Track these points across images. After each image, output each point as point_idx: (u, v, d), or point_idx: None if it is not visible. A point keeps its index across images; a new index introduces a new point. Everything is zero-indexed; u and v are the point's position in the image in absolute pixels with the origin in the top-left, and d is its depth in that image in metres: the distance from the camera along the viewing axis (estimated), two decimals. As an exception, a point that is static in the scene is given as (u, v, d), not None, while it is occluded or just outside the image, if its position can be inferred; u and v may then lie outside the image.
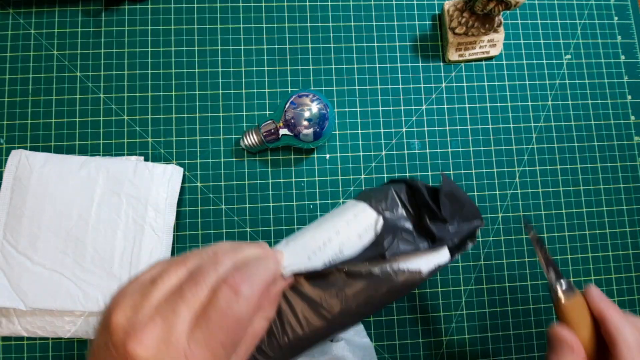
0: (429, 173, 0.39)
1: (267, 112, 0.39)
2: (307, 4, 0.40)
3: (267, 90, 0.39)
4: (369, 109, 0.39)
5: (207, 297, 0.19)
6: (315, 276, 0.23)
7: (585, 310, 0.25)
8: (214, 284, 0.19)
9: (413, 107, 0.40)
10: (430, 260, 0.25)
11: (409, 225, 0.26)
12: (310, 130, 0.34)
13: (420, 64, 0.40)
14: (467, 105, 0.40)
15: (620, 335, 0.24)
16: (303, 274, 0.23)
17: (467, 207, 0.26)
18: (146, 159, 0.37)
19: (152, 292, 0.19)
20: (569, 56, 0.42)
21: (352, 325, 0.25)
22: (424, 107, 0.40)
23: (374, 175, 0.39)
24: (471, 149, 0.40)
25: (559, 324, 0.26)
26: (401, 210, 0.26)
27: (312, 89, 0.39)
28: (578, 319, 0.25)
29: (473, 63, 0.41)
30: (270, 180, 0.38)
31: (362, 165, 0.39)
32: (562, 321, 0.26)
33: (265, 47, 0.39)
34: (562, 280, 0.26)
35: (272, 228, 0.37)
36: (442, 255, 0.25)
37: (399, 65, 0.40)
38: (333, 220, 0.25)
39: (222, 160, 0.38)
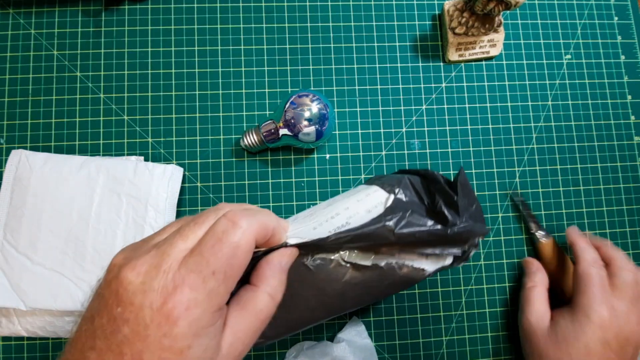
0: (429, 173, 0.39)
1: (267, 112, 0.39)
2: (307, 4, 0.40)
3: (267, 90, 0.39)
4: (369, 109, 0.39)
5: (205, 232, 0.19)
6: (318, 250, 0.23)
7: (556, 248, 0.37)
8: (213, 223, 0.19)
9: (413, 107, 0.40)
10: (435, 263, 0.25)
11: (421, 209, 0.25)
12: (311, 130, 0.34)
13: (420, 64, 0.40)
14: (467, 105, 0.40)
15: (582, 253, 0.33)
16: (308, 245, 0.22)
17: (476, 207, 0.26)
18: (146, 159, 0.37)
19: (154, 237, 0.20)
20: (569, 56, 0.42)
21: (350, 310, 0.25)
22: (424, 107, 0.40)
23: (374, 175, 0.38)
24: (471, 149, 0.40)
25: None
26: (414, 196, 0.26)
27: (312, 89, 0.39)
28: (551, 254, 0.37)
29: (473, 63, 0.41)
30: (270, 180, 0.38)
31: (362, 165, 0.39)
32: (540, 257, 0.37)
33: (265, 47, 0.39)
34: (540, 231, 0.38)
35: (272, 228, 0.37)
36: (446, 260, 0.25)
37: (399, 65, 0.40)
38: (343, 199, 0.25)
39: (222, 160, 0.38)
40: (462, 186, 0.25)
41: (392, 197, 0.25)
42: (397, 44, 0.41)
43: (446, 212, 0.24)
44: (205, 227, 0.19)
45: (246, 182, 0.38)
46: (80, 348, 0.18)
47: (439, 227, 0.24)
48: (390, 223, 0.23)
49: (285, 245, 0.22)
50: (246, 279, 0.22)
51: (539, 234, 0.37)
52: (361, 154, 0.39)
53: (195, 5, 0.39)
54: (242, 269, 0.19)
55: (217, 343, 0.19)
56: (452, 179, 0.27)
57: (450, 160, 0.39)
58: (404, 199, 0.25)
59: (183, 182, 0.37)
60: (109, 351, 0.17)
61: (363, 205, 0.24)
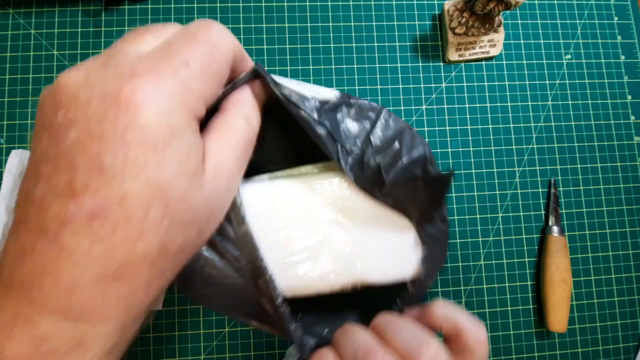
0: (429, 173, 0.39)
1: (267, 112, 0.39)
2: (307, 4, 0.40)
3: (267, 90, 0.39)
4: (369, 109, 0.39)
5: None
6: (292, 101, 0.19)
7: (564, 248, 0.37)
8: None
9: (413, 107, 0.40)
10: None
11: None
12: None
13: (420, 64, 0.40)
14: (467, 105, 0.40)
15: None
16: (286, 96, 0.19)
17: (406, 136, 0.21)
18: (146, 159, 0.37)
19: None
20: (569, 56, 0.42)
21: None
22: (424, 107, 0.40)
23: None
24: (471, 149, 0.40)
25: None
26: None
27: (312, 89, 0.39)
28: (555, 250, 0.37)
29: (473, 63, 0.41)
30: (270, 180, 0.38)
31: (362, 165, 0.39)
32: (545, 250, 0.38)
33: (265, 47, 0.39)
34: (557, 226, 0.38)
35: (272, 228, 0.37)
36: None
37: (399, 65, 0.40)
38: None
39: (222, 160, 0.38)
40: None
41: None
42: (397, 44, 0.41)
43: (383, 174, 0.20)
44: (162, 36, 0.15)
45: (246, 182, 0.38)
46: (25, 190, 0.13)
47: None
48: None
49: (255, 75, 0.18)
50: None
51: (555, 228, 0.38)
52: (361, 154, 0.39)
53: (195, 5, 0.39)
54: (221, 77, 0.16)
55: (199, 154, 0.15)
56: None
57: (450, 160, 0.39)
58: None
59: (183, 182, 0.37)
60: (57, 172, 0.12)
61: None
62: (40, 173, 0.13)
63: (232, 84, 0.18)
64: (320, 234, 0.20)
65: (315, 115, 0.19)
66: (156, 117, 0.13)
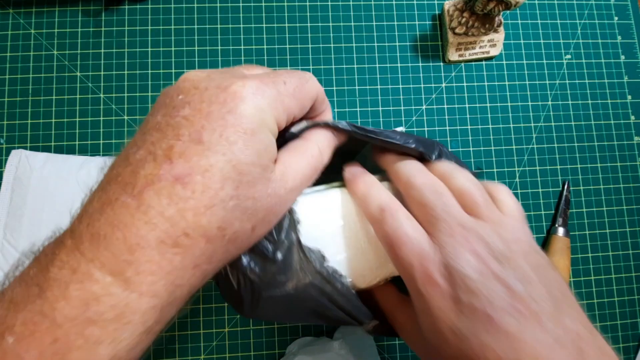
0: (429, 173, 0.39)
1: (267, 112, 0.39)
2: (307, 4, 0.40)
3: (267, 90, 0.39)
4: (369, 109, 0.39)
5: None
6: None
7: (566, 250, 0.37)
8: None
9: (413, 107, 0.40)
10: None
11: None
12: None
13: (420, 64, 0.40)
14: (467, 105, 0.40)
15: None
16: (357, 134, 0.22)
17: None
18: (146, 159, 0.37)
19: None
20: (569, 56, 0.42)
21: None
22: (424, 107, 0.40)
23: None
24: (471, 149, 0.40)
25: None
26: None
27: (312, 89, 0.39)
28: (558, 250, 0.37)
29: (473, 63, 0.41)
30: (270, 180, 0.38)
31: (362, 165, 0.39)
32: (547, 248, 0.38)
33: (265, 47, 0.39)
34: (563, 227, 0.38)
35: (272, 228, 0.37)
36: None
37: (399, 65, 0.40)
38: None
39: (222, 160, 0.38)
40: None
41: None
42: (397, 44, 0.41)
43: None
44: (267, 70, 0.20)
45: (246, 182, 0.38)
46: (125, 155, 0.16)
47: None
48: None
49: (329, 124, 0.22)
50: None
51: (561, 229, 0.38)
52: (361, 154, 0.39)
53: (195, 5, 0.39)
54: (305, 104, 0.19)
55: (273, 152, 0.17)
56: None
57: (450, 160, 0.39)
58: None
59: (183, 182, 0.37)
60: (162, 139, 0.15)
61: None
62: (145, 141, 0.15)
63: (313, 122, 0.21)
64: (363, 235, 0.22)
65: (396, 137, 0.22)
66: (252, 110, 0.16)
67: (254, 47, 0.39)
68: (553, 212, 0.39)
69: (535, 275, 0.17)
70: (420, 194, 0.19)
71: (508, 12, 0.40)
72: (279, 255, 0.19)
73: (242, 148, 0.15)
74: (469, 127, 0.40)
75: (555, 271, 0.18)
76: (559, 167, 0.40)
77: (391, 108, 0.40)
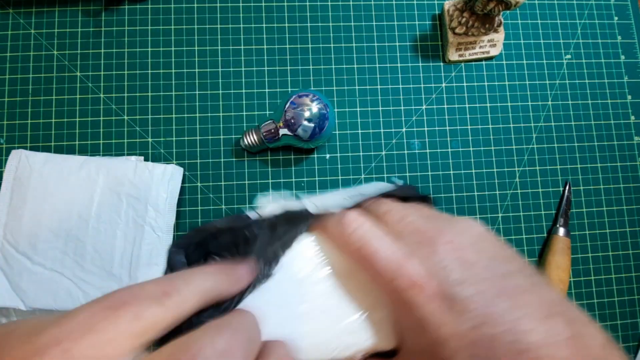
0: (429, 173, 0.39)
1: (267, 112, 0.39)
2: (307, 4, 0.40)
3: (267, 90, 0.39)
4: (369, 109, 0.39)
5: None
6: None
7: (566, 250, 0.37)
8: None
9: (413, 107, 0.40)
10: None
11: None
12: (309, 125, 0.34)
13: (420, 64, 0.40)
14: (467, 105, 0.40)
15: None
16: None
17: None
18: (146, 159, 0.37)
19: None
20: (569, 56, 0.42)
21: None
22: (424, 107, 0.40)
23: (374, 175, 0.39)
24: (471, 149, 0.40)
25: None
26: None
27: (312, 89, 0.39)
28: (557, 250, 0.37)
29: (473, 63, 0.41)
30: (270, 180, 0.38)
31: (362, 165, 0.39)
32: (548, 248, 0.38)
33: (265, 47, 0.39)
34: (564, 228, 0.38)
35: (272, 228, 0.37)
36: None
37: (399, 65, 0.40)
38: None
39: (222, 160, 0.38)
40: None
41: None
42: (397, 44, 0.41)
43: None
44: None
45: (246, 182, 0.38)
46: None
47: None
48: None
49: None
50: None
51: (562, 229, 0.38)
52: (361, 154, 0.39)
53: (195, 5, 0.39)
54: None
55: None
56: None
57: (450, 160, 0.39)
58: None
59: (183, 182, 0.37)
60: None
61: (381, 186, 0.22)
62: None
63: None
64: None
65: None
66: None
67: (254, 47, 0.39)
68: (553, 212, 0.39)
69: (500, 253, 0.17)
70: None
71: (508, 12, 0.40)
72: None
73: None
74: (469, 127, 0.40)
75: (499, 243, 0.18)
76: (558, 167, 0.40)
77: (391, 108, 0.40)
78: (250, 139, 0.36)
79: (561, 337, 0.14)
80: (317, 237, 0.19)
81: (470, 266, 0.16)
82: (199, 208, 0.37)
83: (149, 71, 0.38)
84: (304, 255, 0.19)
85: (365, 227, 0.18)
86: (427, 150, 0.39)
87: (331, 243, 0.19)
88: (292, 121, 0.34)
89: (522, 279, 0.16)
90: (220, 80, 0.39)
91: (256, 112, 0.39)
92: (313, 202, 0.20)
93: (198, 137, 0.38)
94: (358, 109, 0.39)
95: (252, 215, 0.19)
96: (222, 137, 0.38)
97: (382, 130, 0.39)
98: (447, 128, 0.40)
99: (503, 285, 0.15)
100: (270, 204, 0.20)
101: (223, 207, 0.37)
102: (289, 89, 0.39)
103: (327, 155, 0.38)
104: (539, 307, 0.15)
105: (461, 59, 0.40)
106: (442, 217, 0.18)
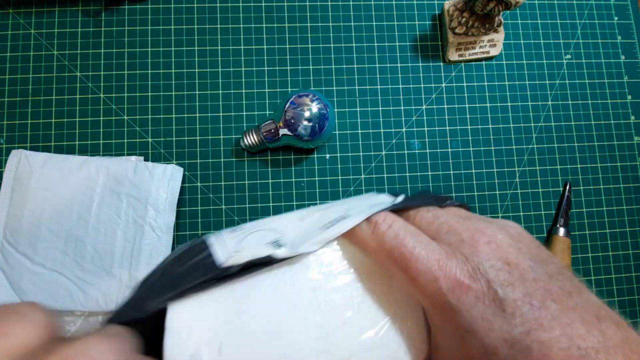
0: (429, 173, 0.39)
1: (267, 112, 0.39)
2: (307, 4, 0.40)
3: (267, 90, 0.39)
4: (369, 109, 0.39)
5: None
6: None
7: (567, 249, 0.38)
8: None
9: (413, 107, 0.40)
10: None
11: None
12: (309, 125, 0.34)
13: (420, 64, 0.40)
14: (467, 105, 0.40)
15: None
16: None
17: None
18: (146, 159, 0.37)
19: None
20: (569, 56, 0.42)
21: None
22: (424, 107, 0.40)
23: (374, 175, 0.39)
24: (471, 149, 0.40)
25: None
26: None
27: (312, 89, 0.39)
28: (558, 250, 0.38)
29: (473, 63, 0.41)
30: (270, 180, 0.38)
31: (362, 165, 0.39)
32: (548, 248, 0.35)
33: (265, 47, 0.39)
34: (564, 228, 0.38)
35: (272, 228, 0.37)
36: None
37: (399, 65, 0.40)
38: (345, 202, 0.21)
39: (222, 160, 0.38)
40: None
41: (402, 196, 0.20)
42: (397, 44, 0.41)
43: None
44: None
45: (246, 182, 0.38)
46: None
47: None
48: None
49: None
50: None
51: (562, 230, 0.38)
52: (361, 154, 0.39)
53: (195, 5, 0.39)
54: None
55: None
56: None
57: (450, 160, 0.39)
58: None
59: (183, 182, 0.37)
60: None
61: (366, 201, 0.20)
62: None
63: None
64: None
65: None
66: None
67: (254, 47, 0.39)
68: (553, 212, 0.39)
69: (541, 256, 0.16)
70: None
71: (508, 12, 0.40)
72: None
73: None
74: (469, 127, 0.40)
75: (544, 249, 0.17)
76: (558, 167, 0.40)
77: (391, 108, 0.40)
78: (250, 139, 0.36)
79: (614, 341, 0.13)
80: (339, 242, 0.18)
81: (515, 267, 0.15)
82: (199, 208, 0.37)
83: (149, 71, 0.38)
84: (321, 261, 0.18)
85: (399, 225, 0.16)
86: (427, 150, 0.39)
87: (355, 248, 0.18)
88: (292, 121, 0.34)
89: (566, 281, 0.15)
90: (220, 80, 0.39)
91: (256, 112, 0.39)
92: (285, 245, 0.17)
93: (198, 137, 0.38)
94: (358, 109, 0.39)
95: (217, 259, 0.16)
96: (222, 137, 0.38)
97: (382, 130, 0.39)
98: (447, 128, 0.40)
99: (549, 287, 0.14)
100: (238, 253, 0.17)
101: (223, 207, 0.37)
102: (289, 89, 0.39)
103: (327, 155, 0.38)
104: (587, 310, 0.14)
105: (461, 59, 0.40)
106: (476, 217, 0.17)
